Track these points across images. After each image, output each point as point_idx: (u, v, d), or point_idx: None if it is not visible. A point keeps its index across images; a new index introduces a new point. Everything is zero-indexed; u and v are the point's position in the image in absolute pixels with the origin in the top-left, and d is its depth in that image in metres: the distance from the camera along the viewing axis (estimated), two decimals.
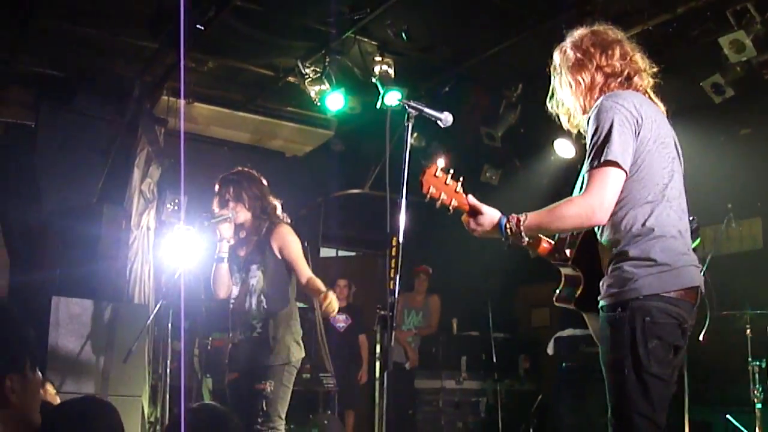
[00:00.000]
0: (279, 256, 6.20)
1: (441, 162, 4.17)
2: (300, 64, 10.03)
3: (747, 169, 9.58)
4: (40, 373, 2.75)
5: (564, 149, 10.95)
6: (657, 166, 3.97)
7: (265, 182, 6.51)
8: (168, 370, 8.20)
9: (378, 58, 9.74)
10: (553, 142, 10.98)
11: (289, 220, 6.44)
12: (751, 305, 8.73)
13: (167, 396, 8.35)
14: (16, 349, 2.61)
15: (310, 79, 10.10)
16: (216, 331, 10.49)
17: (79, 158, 10.70)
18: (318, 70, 10.03)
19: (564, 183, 10.21)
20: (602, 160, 3.85)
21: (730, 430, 8.93)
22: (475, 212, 4.14)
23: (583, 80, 4.20)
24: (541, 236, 4.29)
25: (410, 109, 4.18)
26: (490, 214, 4.12)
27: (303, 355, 6.25)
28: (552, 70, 4.47)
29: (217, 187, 6.40)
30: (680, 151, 4.18)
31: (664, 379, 3.84)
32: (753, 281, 9.34)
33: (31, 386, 2.64)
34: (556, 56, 4.42)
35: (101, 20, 9.34)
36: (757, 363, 8.58)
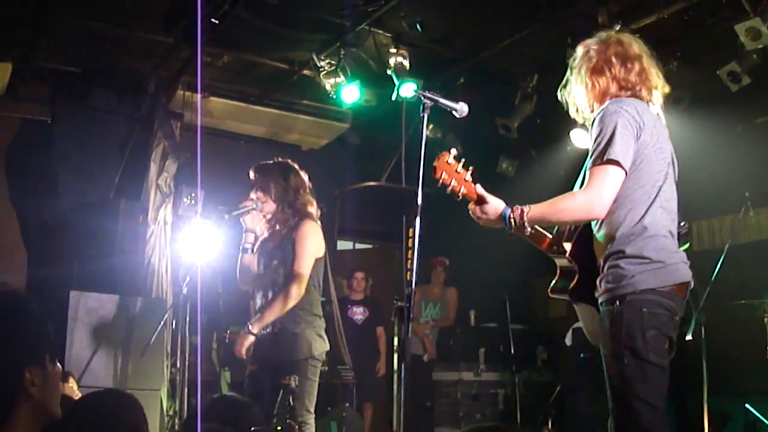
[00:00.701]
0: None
1: (454, 150, 4.32)
2: (315, 57, 10.03)
3: (765, 157, 9.54)
4: (60, 366, 2.76)
5: (580, 139, 10.91)
6: (653, 169, 4.22)
7: (303, 175, 6.42)
8: (186, 364, 8.22)
9: (393, 50, 9.72)
10: (569, 132, 10.94)
11: (318, 218, 6.36)
12: None
13: (186, 389, 8.36)
14: (36, 342, 2.61)
15: (325, 72, 10.09)
16: (234, 325, 10.52)
17: (95, 153, 10.75)
18: (333, 62, 10.03)
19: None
20: (604, 159, 4.11)
21: (750, 419, 8.91)
22: (481, 201, 4.34)
23: (599, 84, 4.45)
24: (543, 231, 4.49)
25: (425, 100, 4.26)
26: (495, 204, 4.34)
27: (327, 348, 6.22)
28: (571, 61, 4.67)
29: (250, 174, 6.37)
30: (675, 160, 4.42)
31: (662, 367, 4.05)
32: None
33: (51, 379, 2.65)
34: (580, 52, 4.62)
35: (116, 16, 9.35)
36: None
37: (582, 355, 10.86)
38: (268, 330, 6.13)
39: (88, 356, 8.46)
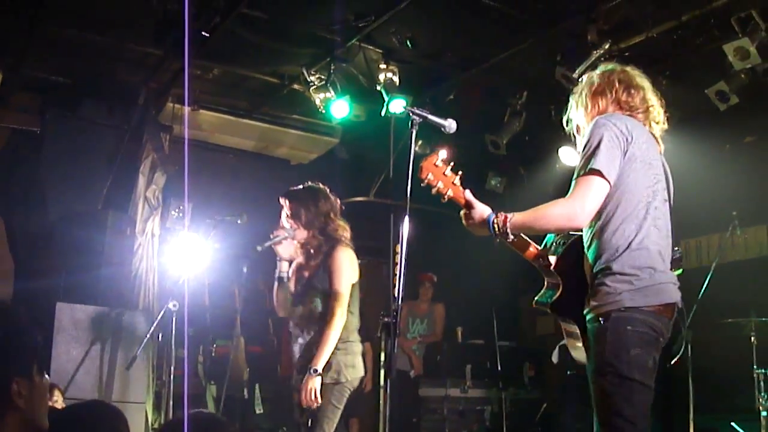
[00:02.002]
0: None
1: (443, 153, 4.38)
2: (305, 72, 10.05)
3: (752, 177, 9.58)
4: (47, 377, 2.76)
5: (569, 157, 10.94)
6: (642, 184, 4.19)
7: (334, 199, 6.36)
8: (172, 377, 8.20)
9: (383, 66, 9.75)
10: (557, 149, 10.98)
11: (350, 241, 6.26)
12: (756, 313, 8.73)
13: (171, 403, 8.34)
14: (23, 353, 2.61)
15: (315, 87, 10.11)
16: (220, 338, 10.51)
17: (84, 165, 10.71)
18: (323, 77, 10.04)
19: (569, 191, 10.21)
20: (588, 169, 4.11)
21: None
22: (468, 206, 4.39)
23: (598, 105, 4.45)
24: (529, 240, 4.49)
25: (414, 116, 4.27)
26: (481, 210, 4.37)
27: (360, 374, 6.13)
28: (573, 91, 4.67)
29: (281, 200, 6.30)
30: (670, 180, 4.44)
31: (647, 386, 4.03)
32: (758, 289, 9.33)
33: (38, 390, 2.65)
34: (584, 81, 4.63)
35: (107, 27, 9.35)
36: (762, 371, 8.58)
37: (569, 372, 10.87)
38: (306, 358, 6.04)
39: (73, 368, 8.44)
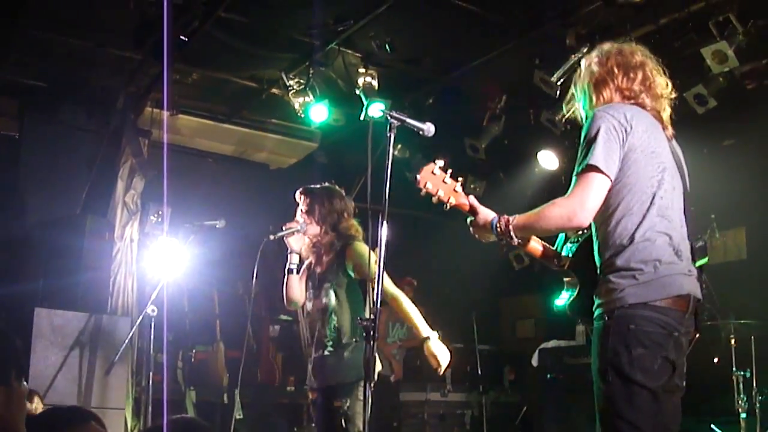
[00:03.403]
0: (354, 275, 6.10)
1: (440, 161, 4.29)
2: (284, 76, 10.05)
3: (730, 180, 9.61)
4: (26, 384, 2.73)
5: (547, 161, 10.98)
6: (644, 175, 4.05)
7: (349, 201, 6.37)
8: (151, 382, 8.17)
9: (362, 70, 9.75)
10: (536, 153, 11.01)
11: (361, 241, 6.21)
12: (735, 316, 8.77)
13: (150, 408, 8.31)
14: (2, 360, 2.59)
15: (294, 91, 10.11)
16: (200, 344, 10.48)
17: (62, 169, 10.67)
18: (302, 81, 10.04)
19: (548, 195, 10.23)
20: (585, 165, 3.99)
21: None
22: (473, 212, 4.32)
23: (603, 96, 4.33)
24: (541, 242, 4.45)
25: (392, 120, 4.24)
26: (485, 214, 4.29)
27: (378, 368, 6.14)
28: (575, 77, 4.59)
29: (296, 196, 6.33)
30: (684, 165, 4.35)
31: (650, 389, 3.85)
32: (737, 292, 9.36)
33: (17, 397, 2.63)
34: (583, 66, 4.54)
35: (86, 31, 9.31)
36: (741, 373, 8.62)
37: (549, 375, 10.91)
38: (320, 353, 6.09)
39: (52, 374, 8.39)
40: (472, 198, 4.35)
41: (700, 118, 8.89)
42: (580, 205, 3.97)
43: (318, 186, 6.38)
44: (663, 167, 4.14)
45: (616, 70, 4.33)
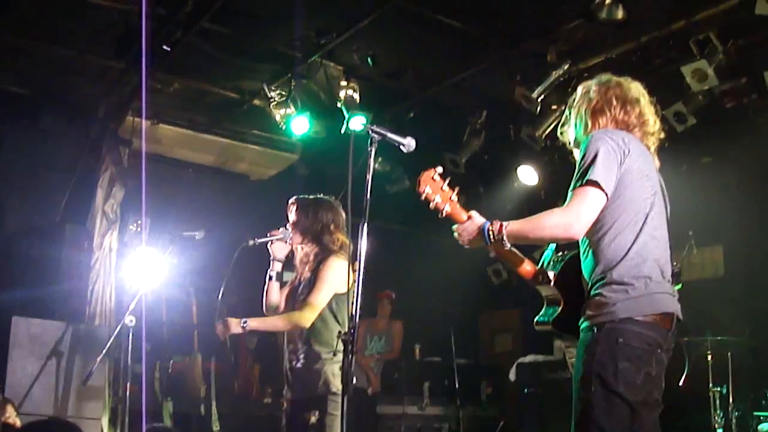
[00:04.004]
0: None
1: (440, 168, 4.35)
2: (266, 88, 10.04)
3: (709, 197, 9.65)
4: (1, 393, 2.74)
5: (527, 176, 11.00)
6: (639, 196, 4.18)
7: (340, 214, 6.28)
8: (128, 393, 8.14)
9: (343, 83, 9.76)
10: (516, 168, 11.03)
11: (349, 256, 6.03)
12: (711, 332, 8.81)
13: (127, 419, 8.28)
14: None
15: (275, 103, 10.10)
16: (177, 355, 10.45)
17: (42, 177, 10.63)
18: (283, 93, 10.04)
19: (528, 210, 10.26)
20: (585, 181, 4.07)
21: None
22: (467, 217, 4.35)
23: (599, 124, 4.41)
24: (523, 257, 4.48)
25: (373, 134, 4.27)
26: (476, 219, 4.33)
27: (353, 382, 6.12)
28: (570, 102, 4.65)
29: (288, 205, 6.33)
30: (666, 194, 4.43)
31: (629, 402, 3.93)
32: (714, 308, 9.40)
33: None
34: (579, 92, 4.61)
35: (67, 39, 9.29)
36: (718, 389, 8.67)
37: (526, 390, 10.93)
38: (293, 365, 6.09)
39: (29, 383, 8.35)
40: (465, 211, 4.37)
41: (680, 136, 8.93)
42: (577, 218, 4.05)
43: (310, 197, 6.38)
44: (654, 191, 4.27)
45: (614, 101, 4.42)
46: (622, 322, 3.97)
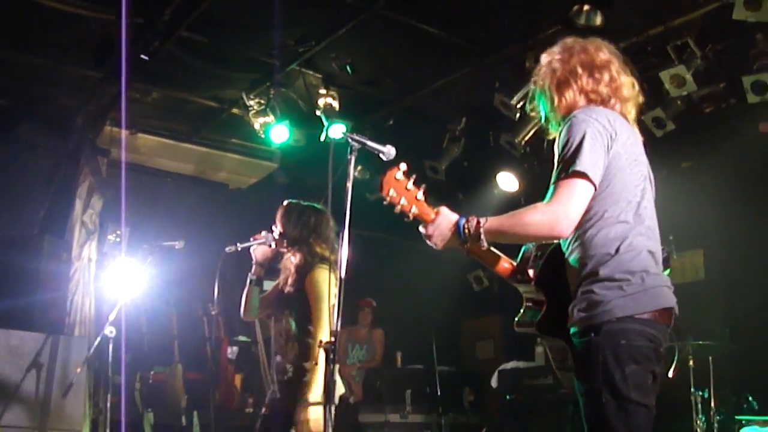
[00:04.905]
0: (309, 299, 6.00)
1: (404, 165, 4.09)
2: (244, 96, 10.03)
3: (688, 202, 9.67)
4: None
5: (507, 183, 11.02)
6: (629, 183, 3.86)
7: (329, 224, 6.20)
8: (108, 404, 8.09)
9: (323, 91, 9.75)
10: (496, 175, 11.05)
11: (332, 264, 6.00)
12: (693, 336, 8.82)
13: (108, 430, 8.24)
14: None
15: (254, 111, 10.09)
16: (158, 365, 10.40)
17: (20, 188, 10.57)
18: (262, 102, 10.03)
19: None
20: (570, 171, 3.72)
21: None
22: (435, 214, 4.03)
23: (565, 99, 4.05)
24: (500, 254, 4.14)
25: (353, 142, 4.17)
26: (448, 215, 4.01)
27: (341, 392, 6.00)
28: (535, 73, 4.26)
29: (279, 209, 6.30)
30: (652, 177, 4.09)
31: (646, 406, 3.64)
32: (695, 312, 9.40)
33: None
34: (544, 62, 4.22)
35: (45, 49, 9.25)
36: (700, 393, 8.67)
37: (507, 396, 10.92)
38: (279, 377, 6.05)
39: (8, 395, 8.29)
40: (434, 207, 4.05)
41: (659, 141, 8.97)
42: (565, 214, 3.69)
43: (302, 203, 6.33)
44: (644, 176, 3.96)
45: (579, 70, 4.06)
46: (621, 321, 3.62)
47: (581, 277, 3.80)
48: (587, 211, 3.77)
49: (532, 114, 4.39)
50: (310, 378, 5.83)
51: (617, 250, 3.73)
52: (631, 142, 3.92)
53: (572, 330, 3.79)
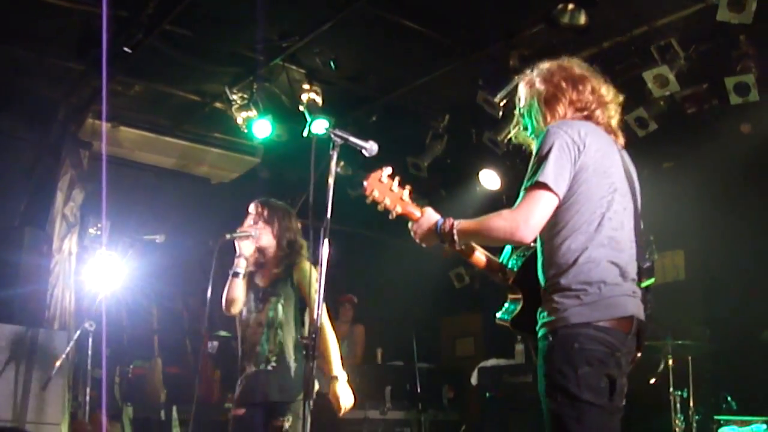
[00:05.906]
0: (298, 290, 6.08)
1: (388, 169, 4.27)
2: (227, 90, 10.00)
3: (669, 202, 9.69)
4: None
5: (489, 180, 11.04)
6: (595, 195, 3.97)
7: (299, 224, 6.38)
8: (88, 398, 8.07)
9: (306, 86, 9.72)
10: (478, 173, 11.06)
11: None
12: (672, 336, 8.84)
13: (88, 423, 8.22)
14: None
15: (237, 106, 10.06)
16: (138, 359, 10.36)
17: (1, 180, 10.52)
18: (245, 96, 10.00)
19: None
20: (534, 181, 3.89)
21: None
22: (420, 214, 4.24)
23: (558, 113, 4.23)
24: (485, 252, 4.36)
25: (335, 138, 4.23)
26: (429, 215, 4.24)
27: (317, 387, 6.08)
28: (517, 101, 4.49)
29: (252, 206, 6.31)
30: (636, 186, 4.25)
31: (600, 406, 3.79)
32: (675, 312, 9.44)
33: None
34: (523, 89, 4.44)
35: (26, 40, 9.21)
36: (679, 393, 8.71)
37: (488, 394, 10.94)
38: (260, 368, 6.02)
39: None
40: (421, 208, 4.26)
41: (641, 141, 8.99)
42: (524, 221, 3.86)
43: (276, 201, 6.40)
44: (614, 188, 4.05)
45: (564, 85, 4.26)
46: (576, 327, 3.81)
47: (545, 285, 4.01)
48: (552, 221, 3.95)
49: (517, 139, 4.59)
50: (294, 373, 5.87)
51: (575, 261, 3.90)
52: (600, 155, 4.04)
53: (538, 334, 3.98)
